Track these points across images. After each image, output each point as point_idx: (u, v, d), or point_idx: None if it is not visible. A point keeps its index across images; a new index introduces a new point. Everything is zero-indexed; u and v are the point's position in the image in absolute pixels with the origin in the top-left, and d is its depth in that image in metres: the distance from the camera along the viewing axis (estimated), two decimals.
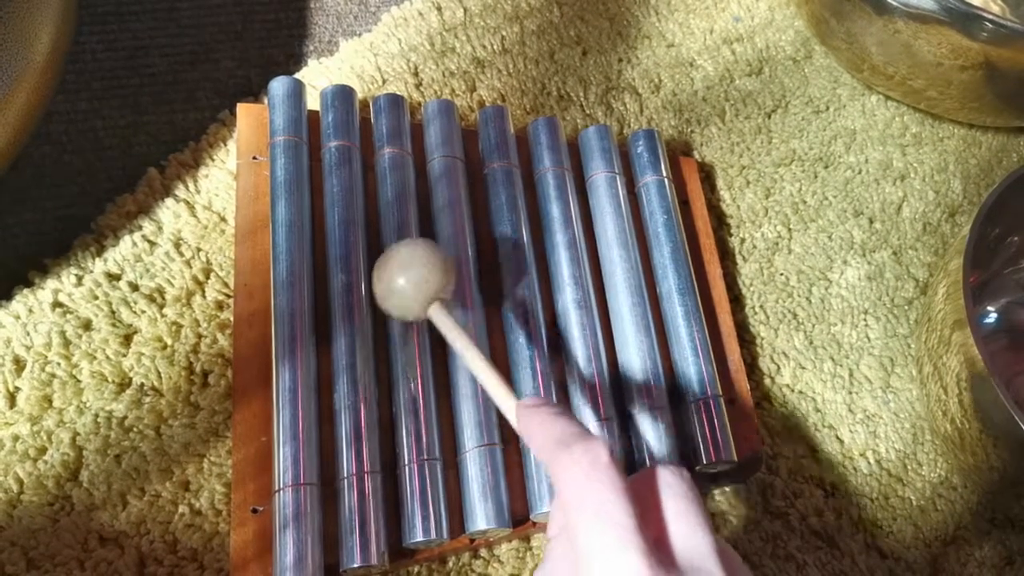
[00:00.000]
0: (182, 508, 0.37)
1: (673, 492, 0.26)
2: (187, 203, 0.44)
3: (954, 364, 0.42)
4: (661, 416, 0.40)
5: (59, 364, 0.39)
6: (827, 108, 0.58)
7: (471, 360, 0.32)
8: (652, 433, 0.39)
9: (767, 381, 0.48)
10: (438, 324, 0.34)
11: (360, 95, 0.46)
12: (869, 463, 0.47)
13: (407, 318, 0.35)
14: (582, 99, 0.54)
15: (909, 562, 0.44)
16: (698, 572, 0.24)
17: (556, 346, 0.41)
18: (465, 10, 0.55)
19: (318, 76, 0.50)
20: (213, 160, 0.46)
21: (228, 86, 0.49)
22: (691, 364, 0.42)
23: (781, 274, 0.51)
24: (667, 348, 0.44)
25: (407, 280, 0.33)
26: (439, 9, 0.55)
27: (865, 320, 0.51)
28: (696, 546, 0.25)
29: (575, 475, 0.25)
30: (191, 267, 0.42)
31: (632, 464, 0.40)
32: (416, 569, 0.39)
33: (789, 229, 0.53)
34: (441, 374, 0.39)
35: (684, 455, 0.40)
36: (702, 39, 0.59)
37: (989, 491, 0.47)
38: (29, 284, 0.41)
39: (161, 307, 0.41)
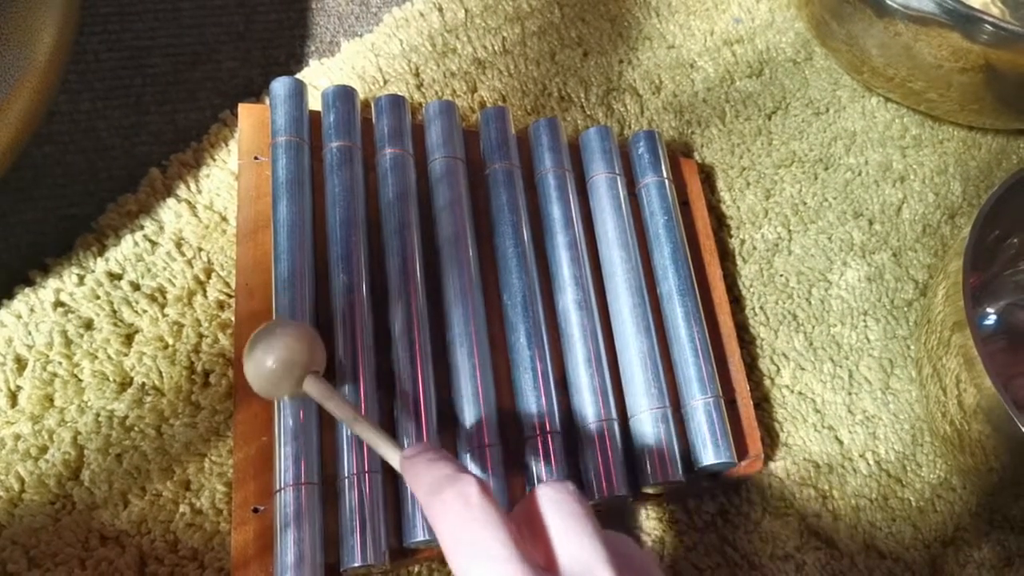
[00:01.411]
0: (183, 507, 0.37)
1: (556, 508, 0.26)
2: (188, 203, 0.44)
3: (953, 365, 0.42)
4: (661, 417, 0.40)
5: (60, 363, 0.39)
6: (827, 110, 0.58)
7: (353, 425, 0.33)
8: (652, 434, 0.39)
9: (767, 382, 0.48)
10: (315, 396, 0.34)
11: (361, 95, 0.46)
12: (868, 464, 0.47)
13: (283, 395, 0.35)
14: (583, 100, 0.54)
15: (908, 563, 0.45)
16: None
17: (557, 347, 0.42)
18: (466, 11, 0.55)
19: (319, 76, 0.50)
20: (215, 160, 0.46)
21: (230, 86, 0.49)
22: (691, 365, 0.42)
23: (781, 275, 0.52)
24: (667, 349, 0.44)
25: (275, 360, 0.33)
26: (440, 10, 0.55)
27: (865, 321, 0.51)
28: (582, 558, 0.25)
29: (448, 518, 0.25)
30: (192, 267, 0.42)
31: (632, 465, 0.40)
32: (417, 569, 0.39)
33: (789, 230, 0.53)
34: (442, 374, 0.39)
35: (684, 456, 0.41)
36: (703, 40, 0.59)
37: (988, 492, 0.47)
38: (31, 283, 0.41)
39: (162, 307, 0.41)
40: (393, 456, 0.31)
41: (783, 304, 0.51)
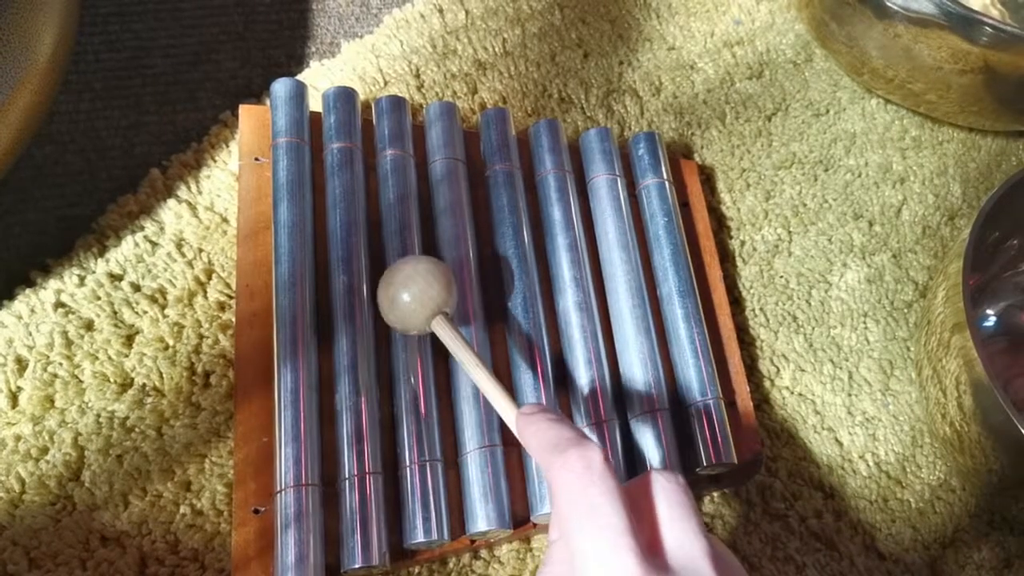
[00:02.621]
0: (183, 508, 0.37)
1: (667, 497, 0.27)
2: (189, 204, 0.44)
3: (953, 367, 0.42)
4: (661, 418, 0.40)
5: (61, 364, 0.39)
6: (827, 111, 0.58)
7: (473, 371, 0.33)
8: (652, 435, 0.39)
9: (767, 383, 0.48)
10: (441, 337, 0.35)
11: (362, 97, 0.46)
12: (868, 465, 0.47)
13: (410, 332, 0.36)
14: (583, 101, 0.54)
15: (908, 564, 0.45)
16: (691, 574, 0.24)
17: (557, 348, 0.42)
18: (467, 12, 0.55)
19: (320, 77, 0.50)
20: (215, 161, 0.46)
21: (230, 87, 0.49)
22: (691, 366, 0.42)
23: (781, 277, 0.52)
24: (667, 350, 0.44)
25: (411, 295, 0.34)
26: (441, 11, 0.55)
27: (865, 323, 0.51)
28: (689, 550, 0.25)
29: (569, 479, 0.25)
30: (193, 268, 0.42)
31: (632, 466, 0.40)
32: (417, 570, 0.39)
33: (789, 232, 0.53)
34: (442, 375, 0.39)
35: (684, 457, 0.41)
36: (703, 42, 0.59)
37: (988, 494, 0.47)
38: (31, 284, 0.41)
39: (163, 308, 0.41)
40: (508, 410, 0.31)
41: (783, 305, 0.51)
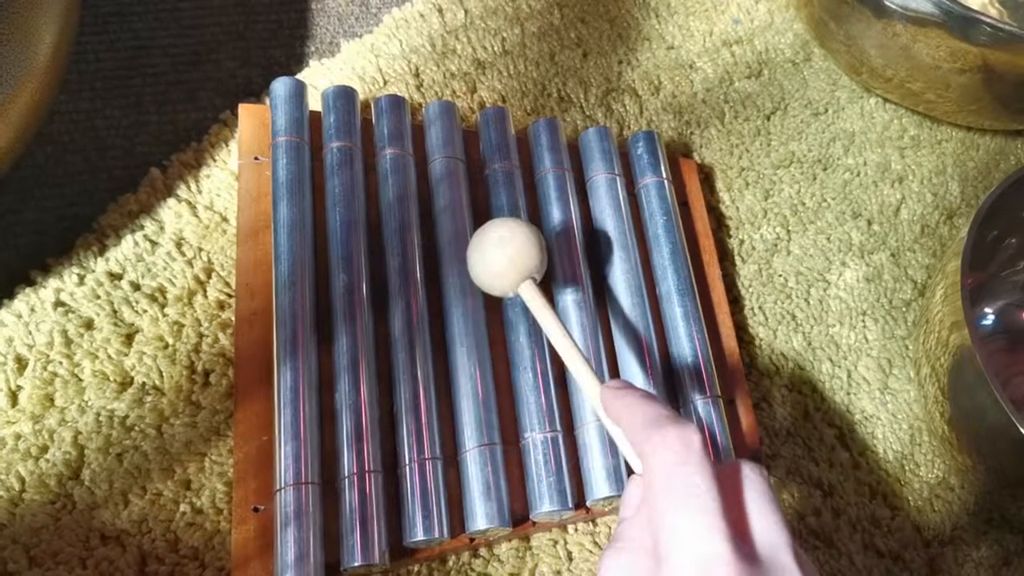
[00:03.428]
0: (183, 507, 0.38)
1: (755, 487, 0.26)
2: (189, 203, 0.44)
3: (952, 365, 0.42)
4: None
5: (61, 363, 0.39)
6: (826, 110, 0.58)
7: (557, 339, 0.33)
8: None
9: (766, 382, 0.48)
10: (528, 301, 0.35)
11: (361, 96, 0.46)
12: (867, 463, 0.47)
13: (495, 292, 0.36)
14: (582, 101, 0.54)
15: (907, 562, 0.45)
16: (777, 567, 0.24)
17: None
18: (466, 12, 0.55)
19: (319, 77, 0.50)
20: (215, 160, 0.46)
21: (230, 86, 0.50)
22: (690, 365, 0.42)
23: (780, 275, 0.52)
24: (666, 349, 0.44)
25: (506, 256, 0.34)
26: (440, 11, 0.55)
27: (863, 321, 0.51)
28: (776, 542, 0.25)
29: (666, 457, 0.25)
30: (193, 267, 0.42)
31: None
32: (416, 568, 0.39)
33: (788, 231, 0.53)
34: (442, 373, 0.39)
35: None
36: (702, 41, 0.59)
37: (986, 492, 0.47)
38: (31, 283, 0.41)
39: (163, 306, 0.41)
40: (591, 383, 0.31)
41: (782, 304, 0.51)
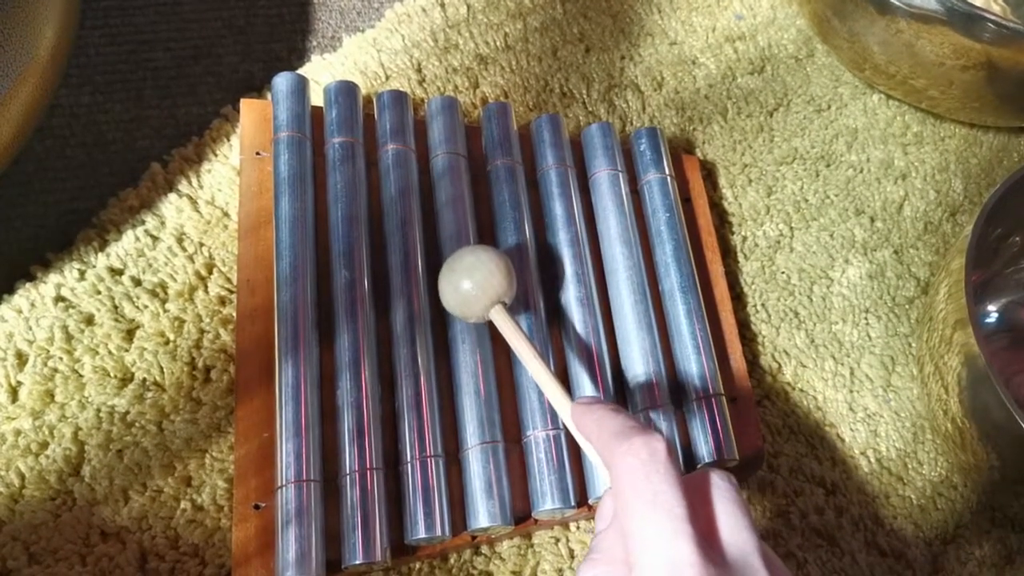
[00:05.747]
0: (184, 504, 0.37)
1: (722, 494, 0.27)
2: (190, 198, 0.44)
3: (955, 363, 0.42)
4: (663, 414, 0.40)
5: (61, 359, 0.39)
6: (829, 107, 0.58)
7: (528, 361, 0.34)
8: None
9: (768, 379, 0.48)
10: (499, 325, 0.36)
11: (363, 91, 0.46)
12: (870, 461, 0.47)
13: (469, 319, 0.37)
14: (585, 96, 0.54)
15: (910, 560, 0.45)
16: (743, 568, 0.25)
17: (558, 344, 0.41)
18: (468, 7, 0.55)
19: (321, 72, 0.50)
20: (216, 155, 0.46)
21: (231, 81, 0.49)
22: (693, 362, 0.42)
23: (783, 272, 0.52)
24: (669, 346, 0.44)
25: (473, 283, 0.35)
26: (442, 5, 0.54)
27: (866, 319, 0.51)
28: (742, 544, 0.26)
29: (632, 465, 0.26)
30: (194, 262, 0.42)
31: None
32: (418, 566, 0.39)
33: (791, 227, 0.53)
34: (444, 371, 0.39)
35: (686, 453, 0.41)
36: (704, 37, 0.59)
37: (989, 490, 0.47)
38: (31, 278, 0.41)
39: (163, 302, 0.41)
40: (562, 402, 0.32)
41: (785, 301, 0.51)
